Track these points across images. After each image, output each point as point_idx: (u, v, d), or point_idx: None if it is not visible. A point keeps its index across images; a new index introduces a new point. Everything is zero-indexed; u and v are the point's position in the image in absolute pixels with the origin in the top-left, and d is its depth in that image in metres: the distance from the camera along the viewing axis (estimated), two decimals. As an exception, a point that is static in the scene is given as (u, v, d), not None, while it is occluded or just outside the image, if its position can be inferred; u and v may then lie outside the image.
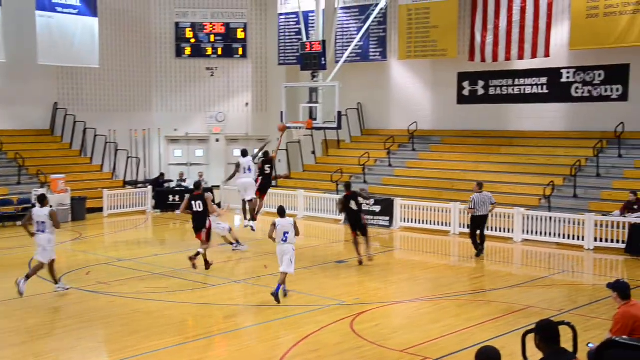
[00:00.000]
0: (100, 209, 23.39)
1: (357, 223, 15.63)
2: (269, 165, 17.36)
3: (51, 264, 12.83)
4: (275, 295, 11.88)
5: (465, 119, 24.03)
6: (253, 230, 17.44)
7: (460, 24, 23.30)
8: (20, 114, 24.77)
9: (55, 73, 25.49)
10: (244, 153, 17.68)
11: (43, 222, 12.71)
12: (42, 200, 12.96)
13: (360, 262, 15.41)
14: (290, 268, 12.33)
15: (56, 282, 12.86)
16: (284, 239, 12.38)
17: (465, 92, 24.03)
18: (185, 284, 13.64)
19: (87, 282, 13.68)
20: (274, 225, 12.40)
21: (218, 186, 25.99)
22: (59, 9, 24.02)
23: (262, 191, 17.47)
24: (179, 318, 11.32)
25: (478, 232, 16.51)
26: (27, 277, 12.67)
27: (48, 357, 9.66)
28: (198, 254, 14.49)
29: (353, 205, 15.62)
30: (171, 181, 26.35)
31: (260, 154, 17.88)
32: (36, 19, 23.47)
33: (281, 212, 12.75)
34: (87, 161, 25.61)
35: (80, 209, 22.39)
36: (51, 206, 13.38)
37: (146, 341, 10.00)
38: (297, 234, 12.52)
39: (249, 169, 17.30)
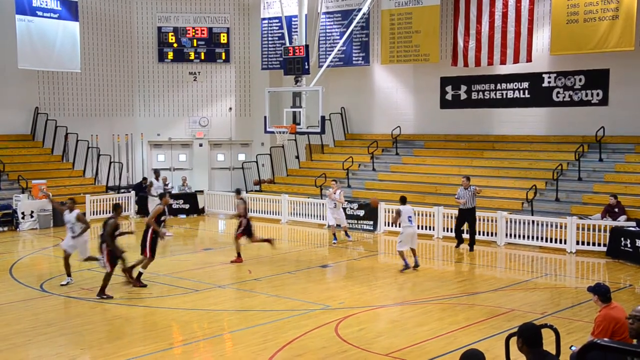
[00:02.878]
0: (83, 215, 23.14)
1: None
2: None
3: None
4: (416, 265, 15.11)
5: (448, 124, 24.15)
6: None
7: (442, 28, 23.44)
8: (0, 119, 24.53)
9: (36, 77, 25.29)
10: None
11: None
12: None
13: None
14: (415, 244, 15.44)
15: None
16: (411, 222, 15.09)
17: (448, 97, 24.17)
18: (168, 290, 13.56)
19: (69, 288, 13.56)
20: (398, 213, 15.04)
21: (202, 191, 25.90)
22: (39, 13, 23.84)
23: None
24: (162, 324, 11.25)
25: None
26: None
27: (30, 364, 9.57)
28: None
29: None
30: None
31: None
32: (16, 23, 23.28)
33: (403, 200, 15.42)
34: (69, 166, 25.41)
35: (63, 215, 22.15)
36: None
37: (129, 347, 9.92)
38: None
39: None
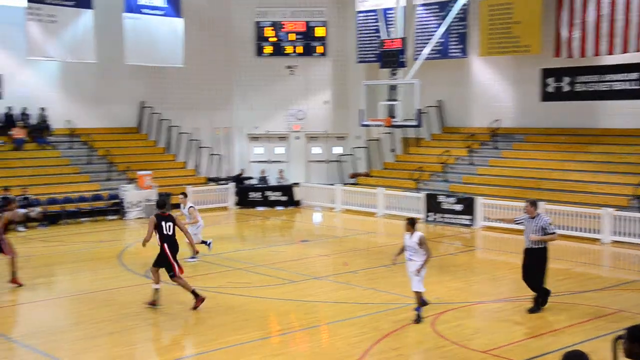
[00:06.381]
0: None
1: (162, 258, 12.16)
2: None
3: None
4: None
5: (550, 117, 23.34)
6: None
7: (544, 19, 22.65)
8: (109, 113, 25.81)
9: (141, 73, 26.37)
10: None
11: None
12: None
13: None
14: None
15: None
16: None
17: (550, 89, 23.30)
18: (266, 280, 13.86)
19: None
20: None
21: (298, 183, 26.27)
22: (146, 11, 24.85)
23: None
24: (260, 313, 11.51)
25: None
26: None
27: (137, 346, 10.07)
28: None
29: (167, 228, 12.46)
30: (251, 178, 26.88)
31: None
32: (124, 21, 24.36)
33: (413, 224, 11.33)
34: (172, 158, 26.40)
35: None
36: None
37: (228, 335, 10.23)
38: None
39: None
